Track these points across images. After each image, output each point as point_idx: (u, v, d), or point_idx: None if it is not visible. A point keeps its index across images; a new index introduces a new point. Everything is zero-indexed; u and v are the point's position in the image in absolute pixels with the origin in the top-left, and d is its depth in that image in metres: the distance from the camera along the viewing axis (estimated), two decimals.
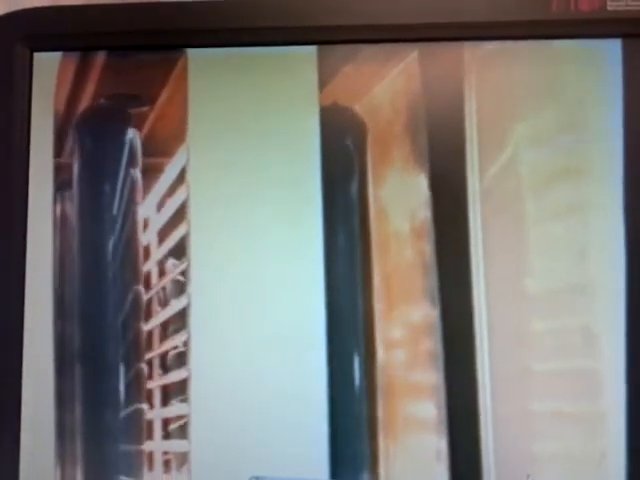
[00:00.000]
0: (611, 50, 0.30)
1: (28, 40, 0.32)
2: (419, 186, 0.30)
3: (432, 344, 0.29)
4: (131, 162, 0.31)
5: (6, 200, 0.31)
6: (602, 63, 0.30)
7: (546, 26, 0.30)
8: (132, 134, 0.31)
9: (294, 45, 0.31)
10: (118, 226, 0.31)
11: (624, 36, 0.30)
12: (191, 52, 0.31)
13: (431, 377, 0.29)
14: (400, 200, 0.30)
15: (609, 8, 0.30)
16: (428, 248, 0.30)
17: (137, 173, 0.31)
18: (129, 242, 0.31)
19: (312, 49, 0.31)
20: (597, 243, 0.29)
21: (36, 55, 0.32)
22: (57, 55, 0.32)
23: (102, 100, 0.32)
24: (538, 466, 0.29)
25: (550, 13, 0.30)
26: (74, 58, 0.32)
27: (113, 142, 0.32)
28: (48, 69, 0.32)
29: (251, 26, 0.31)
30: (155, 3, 0.32)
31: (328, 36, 0.31)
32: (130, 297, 0.31)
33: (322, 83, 0.31)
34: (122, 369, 0.31)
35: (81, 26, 0.32)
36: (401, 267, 0.30)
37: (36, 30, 0.32)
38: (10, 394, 0.31)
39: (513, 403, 0.29)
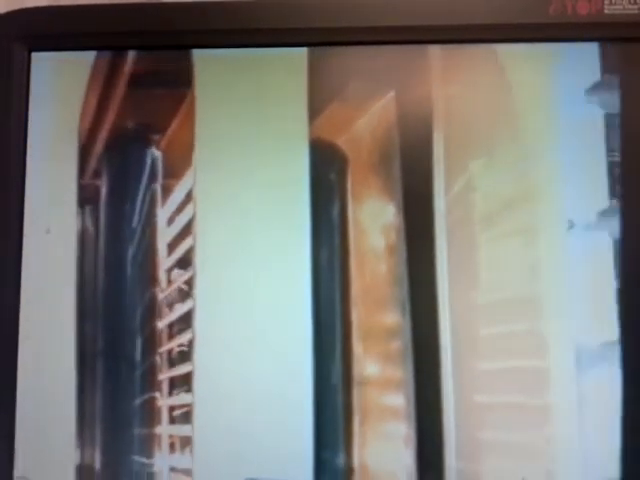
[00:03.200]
0: (608, 53, 0.29)
1: (26, 39, 0.31)
2: (392, 209, 0.31)
3: (402, 345, 0.31)
4: (150, 180, 0.32)
5: (3, 200, 0.31)
6: (598, 67, 0.29)
7: (543, 29, 0.29)
8: (150, 157, 0.32)
9: (289, 47, 0.31)
10: (136, 239, 0.32)
11: (622, 40, 0.29)
12: (196, 52, 0.31)
13: (401, 373, 0.31)
14: (376, 221, 0.31)
15: (606, 12, 0.29)
16: (400, 263, 0.31)
17: (156, 189, 0.32)
18: (145, 253, 0.32)
19: (302, 60, 0.31)
20: (545, 260, 0.30)
21: (34, 55, 0.31)
22: (55, 55, 0.31)
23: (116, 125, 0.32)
24: (490, 451, 0.30)
25: (548, 16, 0.29)
26: (76, 61, 0.32)
27: (134, 163, 0.32)
28: (46, 69, 0.31)
29: (253, 27, 0.31)
30: (155, 3, 0.32)
31: (321, 38, 0.31)
32: (145, 300, 0.32)
33: (312, 113, 0.32)
34: (138, 362, 0.32)
35: (80, 26, 0.31)
36: (376, 279, 0.31)
37: (35, 30, 0.31)
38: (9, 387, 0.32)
39: (471, 397, 0.30)
